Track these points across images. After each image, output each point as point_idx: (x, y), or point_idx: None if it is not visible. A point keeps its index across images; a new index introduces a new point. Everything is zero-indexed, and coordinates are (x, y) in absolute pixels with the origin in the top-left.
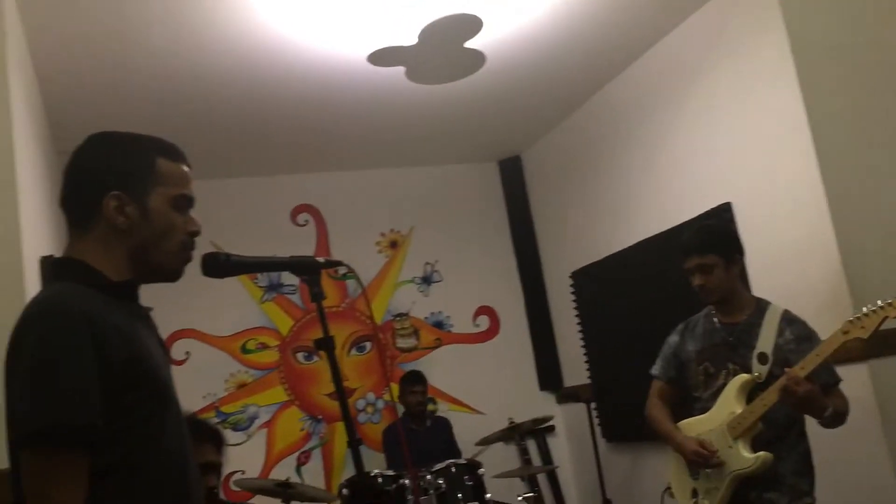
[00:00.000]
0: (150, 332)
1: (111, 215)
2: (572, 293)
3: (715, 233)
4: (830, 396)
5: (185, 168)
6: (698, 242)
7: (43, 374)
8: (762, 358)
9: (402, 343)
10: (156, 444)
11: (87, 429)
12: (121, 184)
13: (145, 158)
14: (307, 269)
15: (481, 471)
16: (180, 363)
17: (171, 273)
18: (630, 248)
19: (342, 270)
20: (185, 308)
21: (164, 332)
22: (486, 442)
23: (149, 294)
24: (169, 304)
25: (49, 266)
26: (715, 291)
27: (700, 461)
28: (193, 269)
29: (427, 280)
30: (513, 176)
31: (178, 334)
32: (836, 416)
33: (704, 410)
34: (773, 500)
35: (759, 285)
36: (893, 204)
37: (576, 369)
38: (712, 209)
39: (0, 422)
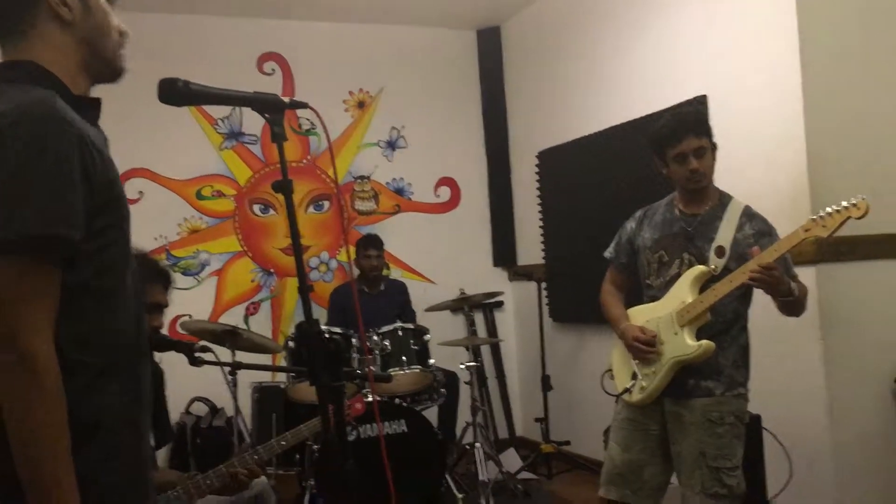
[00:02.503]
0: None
1: (54, 4)
2: (537, 173)
3: (704, 118)
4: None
5: None
6: (696, 123)
7: (29, 179)
8: (719, 251)
9: (361, 206)
10: (120, 271)
11: (68, 243)
12: None
13: None
14: (271, 107)
15: (427, 337)
16: (133, 202)
17: (117, 70)
18: (599, 132)
19: (306, 126)
20: (140, 147)
21: (118, 169)
22: (434, 310)
23: (104, 129)
24: (124, 142)
25: None
26: (706, 176)
27: (636, 349)
28: (150, 106)
29: (392, 145)
30: (490, 47)
31: (133, 173)
32: (798, 300)
33: (654, 299)
34: (709, 388)
35: (723, 180)
36: (868, 118)
37: (531, 249)
38: (687, 100)
39: None
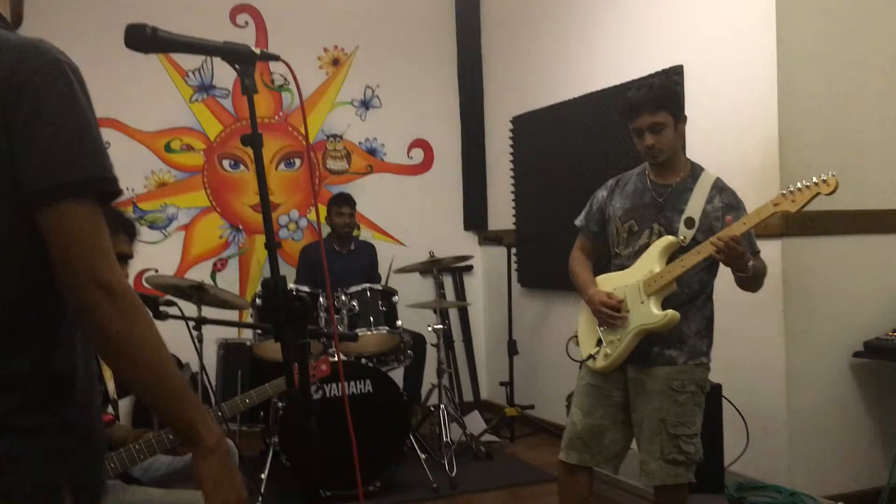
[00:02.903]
0: None
1: None
2: (510, 138)
3: (667, 91)
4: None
5: None
6: (652, 99)
7: (86, 124)
8: (689, 222)
9: (333, 165)
10: None
11: (116, 184)
12: None
13: None
14: (241, 58)
15: (395, 298)
16: None
17: (21, 20)
18: (575, 99)
19: (279, 81)
20: (108, 96)
21: None
22: (404, 272)
23: None
24: (91, 91)
25: None
26: (665, 152)
27: (603, 313)
28: (120, 54)
29: (366, 104)
30: (468, 8)
31: (99, 123)
32: (756, 277)
33: (623, 268)
34: (672, 357)
35: (695, 150)
36: (841, 95)
37: (502, 214)
38: (663, 70)
39: None
